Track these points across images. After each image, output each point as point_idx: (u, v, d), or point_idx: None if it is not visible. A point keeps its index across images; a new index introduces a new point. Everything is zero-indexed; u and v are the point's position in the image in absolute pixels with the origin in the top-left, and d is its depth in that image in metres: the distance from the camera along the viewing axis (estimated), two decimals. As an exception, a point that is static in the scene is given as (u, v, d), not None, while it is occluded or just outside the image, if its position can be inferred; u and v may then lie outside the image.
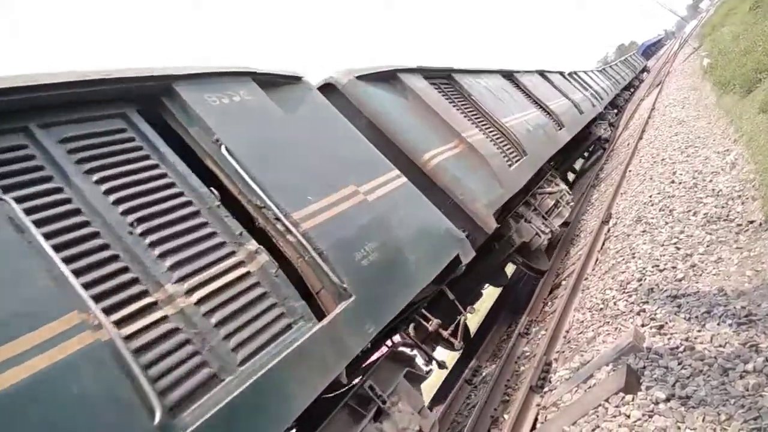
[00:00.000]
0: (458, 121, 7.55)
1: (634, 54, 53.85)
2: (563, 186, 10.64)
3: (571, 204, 10.09)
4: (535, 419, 4.62)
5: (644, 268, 5.94)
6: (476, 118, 8.55)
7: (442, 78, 8.79)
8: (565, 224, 9.85)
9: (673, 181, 8.35)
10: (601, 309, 5.67)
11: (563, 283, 7.53)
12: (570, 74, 21.06)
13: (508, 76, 12.82)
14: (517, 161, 8.47)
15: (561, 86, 16.65)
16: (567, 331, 5.81)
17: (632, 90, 35.68)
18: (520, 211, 8.29)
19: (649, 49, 69.21)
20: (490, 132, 8.53)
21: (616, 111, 26.50)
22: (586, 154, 19.90)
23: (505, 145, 8.60)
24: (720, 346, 4.11)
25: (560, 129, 12.65)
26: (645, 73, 46.43)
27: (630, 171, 11.04)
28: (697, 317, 4.59)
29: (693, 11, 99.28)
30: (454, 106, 8.11)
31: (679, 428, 3.48)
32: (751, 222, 5.81)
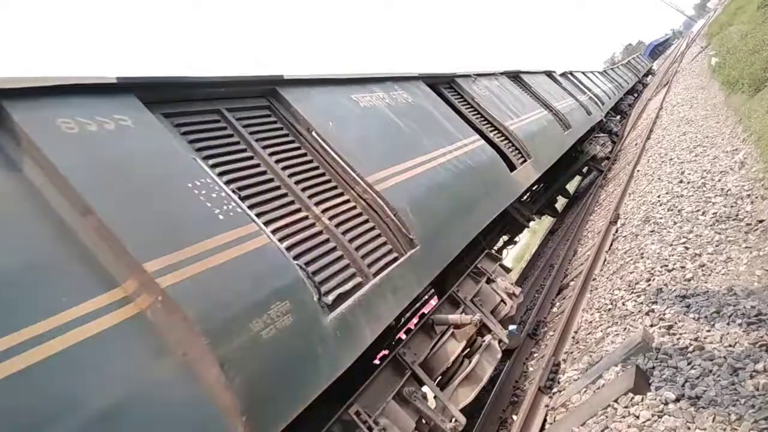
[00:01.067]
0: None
1: (637, 56, 50.51)
2: (504, 285, 5.88)
3: (514, 329, 6.09)
4: (544, 420, 4.61)
5: (653, 268, 5.92)
6: (322, 182, 4.57)
7: (256, 103, 4.72)
8: (507, 353, 5.92)
9: (681, 181, 8.31)
10: (610, 309, 5.66)
11: (571, 283, 7.51)
12: (564, 75, 17.79)
13: (440, 83, 8.38)
14: (395, 261, 4.40)
15: (542, 92, 13.00)
16: (575, 332, 5.80)
17: (636, 94, 33.17)
18: (356, 413, 3.58)
19: (657, 49, 68.92)
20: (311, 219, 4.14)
21: (619, 117, 24.00)
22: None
23: (366, 228, 4.53)
24: (730, 345, 4.10)
25: (524, 162, 8.47)
26: (649, 76, 43.58)
27: (638, 171, 11.00)
28: (706, 317, 4.57)
29: (700, 10, 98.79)
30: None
31: (689, 428, 3.46)
32: (761, 221, 5.78)
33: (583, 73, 21.48)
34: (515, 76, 12.30)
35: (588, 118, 15.54)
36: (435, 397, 4.34)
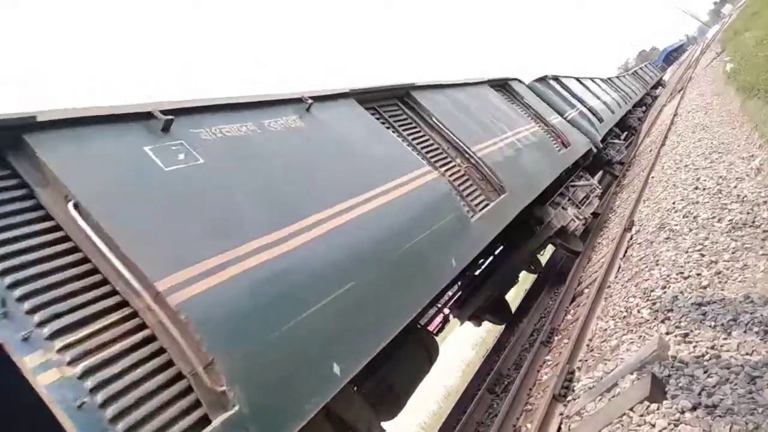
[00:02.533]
0: None
1: (646, 65, 46.41)
2: None
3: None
4: (559, 429, 4.58)
5: (668, 276, 5.87)
6: None
7: None
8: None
9: (696, 188, 8.25)
10: (625, 317, 5.62)
11: (586, 291, 7.46)
12: (542, 81, 13.45)
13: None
14: None
15: (456, 125, 7.29)
16: (590, 340, 5.76)
17: (645, 107, 29.00)
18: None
19: (671, 55, 68.68)
20: None
21: (626, 135, 19.94)
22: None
23: None
24: (747, 354, 4.05)
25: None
26: (659, 88, 39.20)
27: (653, 177, 10.93)
28: (722, 325, 4.52)
29: (715, 16, 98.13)
30: None
31: (705, 437, 3.43)
32: (778, 228, 5.72)
33: (577, 79, 17.05)
34: (402, 97, 7.00)
35: (558, 158, 9.76)
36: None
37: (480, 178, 6.91)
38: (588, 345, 5.68)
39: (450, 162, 6.73)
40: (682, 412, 3.69)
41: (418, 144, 6.49)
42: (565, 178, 10.19)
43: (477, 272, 8.47)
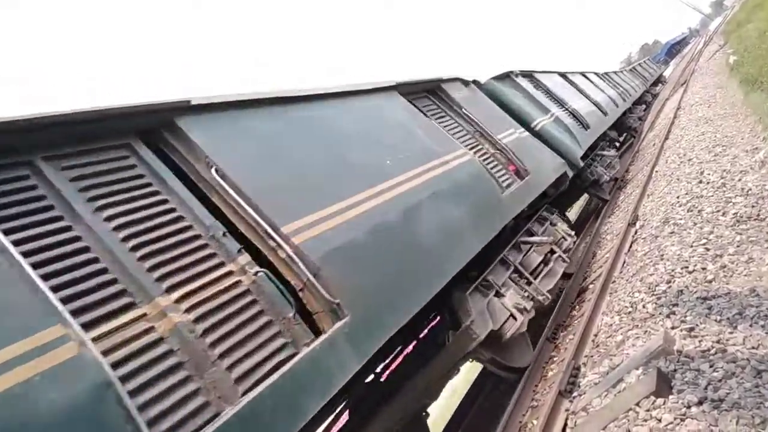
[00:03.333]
0: None
1: (645, 60, 43.74)
2: None
3: None
4: (565, 424, 4.58)
5: (673, 270, 5.86)
6: None
7: None
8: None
9: (700, 181, 8.22)
10: (630, 312, 5.61)
11: (591, 286, 7.46)
12: (506, 78, 10.34)
13: None
14: None
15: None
16: (595, 335, 5.76)
17: (645, 105, 25.21)
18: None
19: (674, 48, 68.37)
20: None
21: (624, 138, 17.97)
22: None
23: None
24: (753, 347, 4.05)
25: None
26: (659, 85, 36.48)
27: (656, 171, 10.89)
28: (728, 319, 4.51)
29: (717, 8, 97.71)
30: None
31: (712, 431, 3.43)
32: (783, 221, 5.71)
33: (561, 74, 14.10)
34: (155, 132, 3.73)
35: (500, 204, 6.22)
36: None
37: (298, 290, 3.49)
38: (593, 340, 5.68)
39: (216, 269, 3.23)
40: (688, 407, 3.69)
41: (134, 238, 3.06)
42: (520, 226, 7.20)
43: (382, 378, 5.63)
